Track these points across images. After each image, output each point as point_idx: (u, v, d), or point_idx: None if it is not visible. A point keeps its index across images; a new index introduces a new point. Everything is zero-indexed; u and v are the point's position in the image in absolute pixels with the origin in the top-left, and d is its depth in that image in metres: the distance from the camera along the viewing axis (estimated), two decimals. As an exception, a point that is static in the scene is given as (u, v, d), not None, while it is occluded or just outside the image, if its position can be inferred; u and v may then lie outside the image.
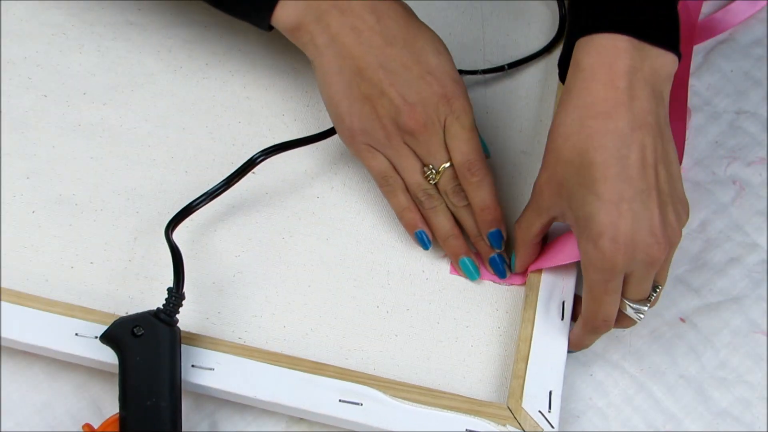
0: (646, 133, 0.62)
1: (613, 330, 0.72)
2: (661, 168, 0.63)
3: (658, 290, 0.66)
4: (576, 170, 0.63)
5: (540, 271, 0.72)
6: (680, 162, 0.79)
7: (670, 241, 0.63)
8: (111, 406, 0.69)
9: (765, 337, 0.74)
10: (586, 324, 0.67)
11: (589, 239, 0.62)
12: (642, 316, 0.66)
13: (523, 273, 0.73)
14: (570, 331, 0.70)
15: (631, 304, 0.66)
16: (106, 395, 0.69)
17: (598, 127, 0.62)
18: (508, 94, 0.83)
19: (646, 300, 0.66)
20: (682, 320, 0.74)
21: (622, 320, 0.68)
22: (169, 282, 0.70)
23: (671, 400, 0.71)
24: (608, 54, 0.63)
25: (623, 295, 0.65)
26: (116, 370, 0.65)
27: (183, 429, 0.67)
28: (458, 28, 0.87)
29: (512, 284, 0.74)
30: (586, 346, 0.70)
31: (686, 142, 0.82)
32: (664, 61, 0.64)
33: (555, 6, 0.88)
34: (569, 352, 0.70)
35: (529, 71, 0.85)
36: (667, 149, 0.64)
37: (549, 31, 0.87)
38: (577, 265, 0.71)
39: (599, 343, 0.72)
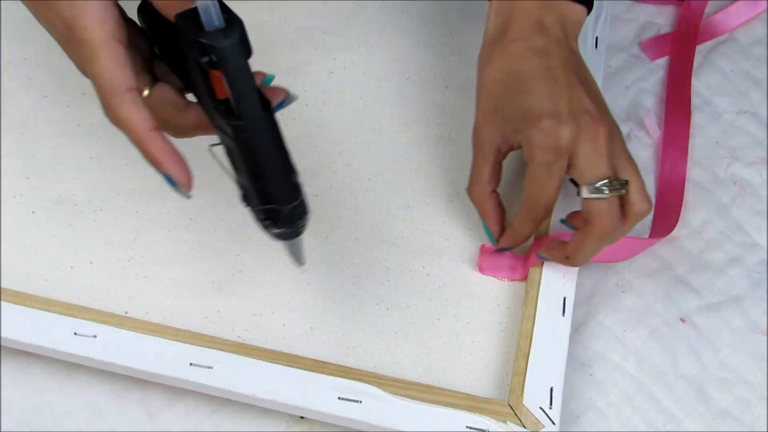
0: (564, 51, 0.67)
1: (613, 330, 0.73)
2: (583, 76, 0.68)
3: (627, 185, 0.65)
4: (506, 85, 0.67)
5: (541, 266, 0.72)
6: (684, 164, 0.80)
7: (607, 124, 0.65)
8: (111, 406, 0.69)
9: (765, 337, 0.74)
10: (527, 211, 0.68)
11: (531, 127, 0.64)
12: (606, 192, 0.64)
13: (524, 269, 0.74)
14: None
15: (591, 185, 0.64)
16: (107, 395, 0.69)
17: (517, 48, 0.67)
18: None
19: (606, 181, 0.64)
20: (682, 320, 0.74)
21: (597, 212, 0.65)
22: (169, 281, 0.71)
23: (671, 400, 0.71)
24: (518, 6, 0.69)
25: (579, 179, 0.65)
26: (116, 371, 0.65)
27: (182, 429, 0.68)
28: (458, 26, 0.87)
29: (513, 280, 0.74)
30: (521, 237, 0.70)
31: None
32: (572, 10, 0.69)
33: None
34: (504, 249, 0.72)
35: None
36: (583, 70, 0.69)
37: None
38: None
39: (599, 343, 0.72)
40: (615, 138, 0.66)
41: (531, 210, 0.67)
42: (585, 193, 0.64)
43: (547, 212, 0.68)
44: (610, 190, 0.64)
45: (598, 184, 0.64)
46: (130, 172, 0.77)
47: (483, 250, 0.74)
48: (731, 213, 0.79)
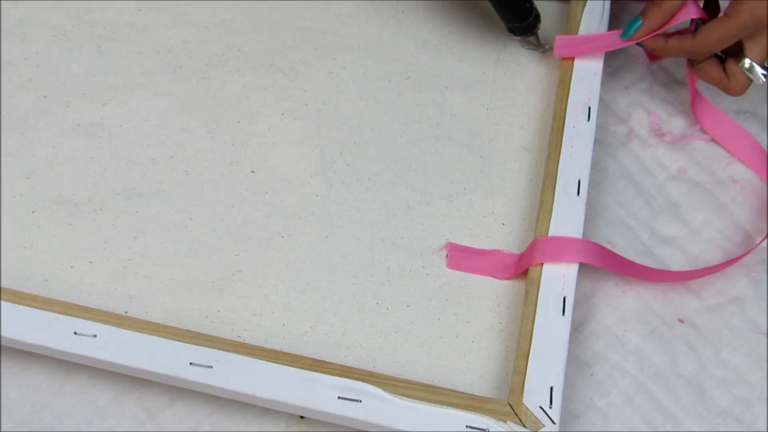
0: None
1: (612, 330, 0.73)
2: None
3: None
4: None
5: (540, 266, 0.72)
6: None
7: None
8: (110, 406, 0.69)
9: (765, 337, 0.74)
10: (695, 46, 0.77)
11: None
12: (764, 79, 0.77)
13: (516, 268, 0.75)
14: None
15: (757, 65, 0.76)
16: (106, 395, 0.69)
17: None
18: (510, 90, 0.84)
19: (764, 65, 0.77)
20: (681, 321, 0.74)
21: (739, 82, 0.78)
22: (169, 281, 0.71)
23: (671, 400, 0.71)
24: None
25: (748, 54, 0.76)
26: (115, 370, 0.66)
27: (182, 429, 0.67)
28: (458, 26, 0.87)
29: (503, 279, 0.75)
30: (663, 53, 0.80)
31: (684, 142, 0.83)
32: None
33: (555, 4, 0.89)
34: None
35: (530, 68, 0.85)
36: None
37: (550, 28, 0.87)
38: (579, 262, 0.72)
39: (599, 343, 0.72)
40: None
41: (694, 49, 0.77)
42: (756, 71, 0.77)
43: (705, 56, 0.78)
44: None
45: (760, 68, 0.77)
46: (130, 172, 0.77)
47: (467, 250, 0.75)
48: (731, 213, 0.79)
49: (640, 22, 0.79)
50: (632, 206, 0.79)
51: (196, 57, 0.83)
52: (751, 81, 0.77)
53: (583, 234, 0.73)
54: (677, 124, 0.84)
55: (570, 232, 0.73)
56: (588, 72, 0.82)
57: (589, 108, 0.80)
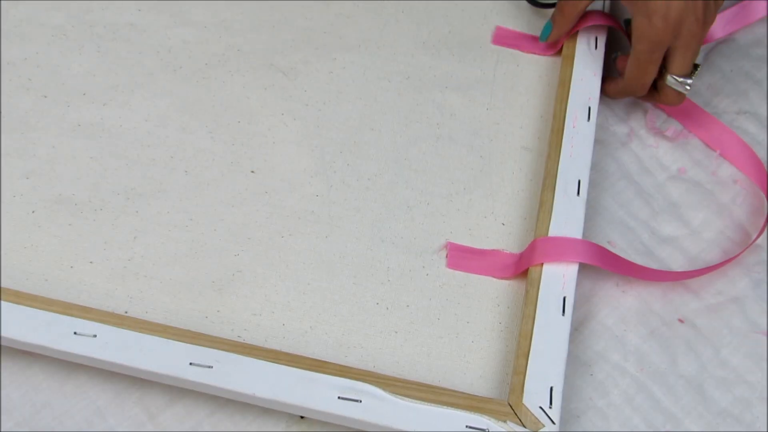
0: None
1: (612, 330, 0.73)
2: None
3: (698, 68, 0.79)
4: None
5: (540, 266, 0.72)
6: None
7: (707, 21, 0.77)
8: (111, 406, 0.69)
9: (765, 337, 0.74)
10: (627, 86, 0.80)
11: (644, 16, 0.75)
12: (688, 87, 0.79)
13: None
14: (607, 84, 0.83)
15: (678, 78, 0.78)
16: (106, 395, 0.69)
17: None
18: (509, 90, 0.84)
19: (690, 75, 0.79)
20: (681, 321, 0.74)
21: (670, 96, 0.80)
22: (169, 281, 0.71)
23: (671, 400, 0.71)
24: None
25: (669, 71, 0.78)
26: (116, 370, 0.66)
27: (182, 429, 0.67)
28: (458, 26, 0.87)
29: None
30: (612, 97, 0.84)
31: (684, 141, 0.83)
32: None
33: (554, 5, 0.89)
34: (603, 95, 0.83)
35: (530, 68, 0.85)
36: None
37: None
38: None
39: (599, 343, 0.72)
40: (705, 30, 0.78)
41: (630, 85, 0.80)
42: (674, 84, 0.79)
43: (642, 91, 0.81)
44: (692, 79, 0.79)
45: (684, 78, 0.79)
46: (130, 172, 0.77)
47: (466, 250, 0.75)
48: (731, 213, 0.79)
49: (551, 27, 0.84)
50: (632, 206, 0.79)
51: (196, 57, 0.83)
52: (681, 93, 0.80)
53: (583, 234, 0.73)
54: (676, 122, 0.84)
55: (570, 232, 0.73)
56: (588, 72, 0.82)
57: (589, 108, 0.80)
